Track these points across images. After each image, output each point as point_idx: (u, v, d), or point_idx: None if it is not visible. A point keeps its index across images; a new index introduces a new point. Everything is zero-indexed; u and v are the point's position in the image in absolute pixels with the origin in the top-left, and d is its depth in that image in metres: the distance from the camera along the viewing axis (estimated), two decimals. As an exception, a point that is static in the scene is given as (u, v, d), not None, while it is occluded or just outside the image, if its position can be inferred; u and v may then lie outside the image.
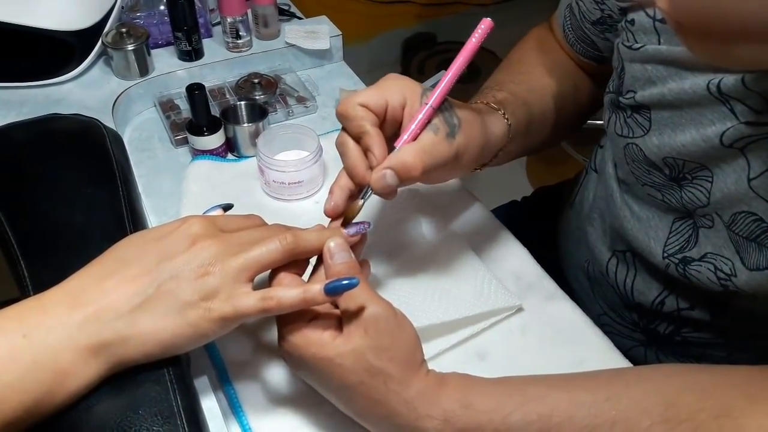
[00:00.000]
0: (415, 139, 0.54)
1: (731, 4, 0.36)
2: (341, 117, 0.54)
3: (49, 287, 0.48)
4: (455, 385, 0.49)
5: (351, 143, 0.54)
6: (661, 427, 0.45)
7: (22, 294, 0.55)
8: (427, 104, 0.54)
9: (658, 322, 0.71)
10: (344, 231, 0.54)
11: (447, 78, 0.54)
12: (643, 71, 0.61)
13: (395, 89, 0.55)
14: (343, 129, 0.55)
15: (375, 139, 0.53)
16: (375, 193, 0.54)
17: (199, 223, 0.51)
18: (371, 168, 0.54)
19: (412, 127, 0.54)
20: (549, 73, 0.75)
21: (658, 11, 0.58)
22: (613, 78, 0.67)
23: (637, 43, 0.61)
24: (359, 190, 0.56)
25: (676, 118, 0.59)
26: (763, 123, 0.53)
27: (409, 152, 0.53)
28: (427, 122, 0.54)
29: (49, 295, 0.47)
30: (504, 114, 0.64)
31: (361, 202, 0.55)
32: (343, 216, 0.56)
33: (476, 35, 0.54)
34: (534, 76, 0.75)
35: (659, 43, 0.59)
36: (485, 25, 0.54)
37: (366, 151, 0.54)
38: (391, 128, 0.56)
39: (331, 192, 0.56)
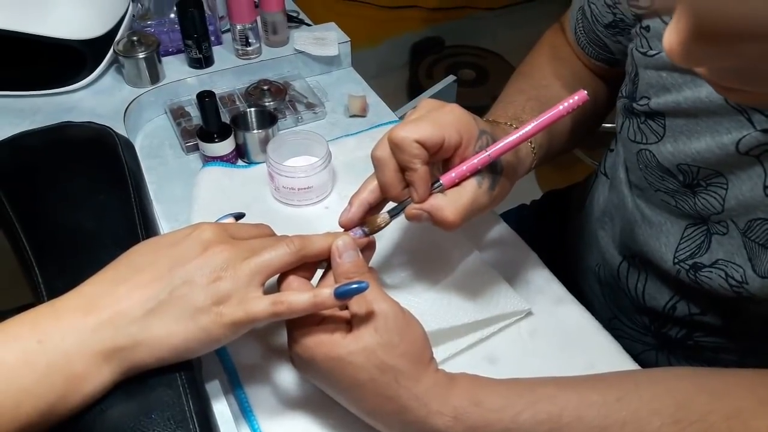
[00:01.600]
0: (462, 181, 0.54)
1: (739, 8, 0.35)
2: (394, 146, 0.53)
3: (63, 293, 0.48)
4: (465, 384, 0.49)
5: (391, 163, 0.54)
6: (671, 428, 0.45)
7: (37, 300, 0.56)
8: (486, 153, 0.53)
9: (670, 326, 0.71)
10: (351, 233, 0.54)
11: (514, 135, 0.53)
12: (657, 78, 0.60)
13: (453, 128, 0.54)
14: (388, 146, 0.54)
15: (421, 180, 0.53)
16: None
17: (211, 229, 0.51)
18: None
19: (463, 168, 0.54)
20: (569, 88, 0.74)
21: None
22: (626, 83, 0.67)
23: (651, 49, 0.60)
24: (382, 202, 0.57)
25: (691, 125, 0.58)
26: None
27: (450, 208, 0.53)
28: (477, 170, 0.54)
29: (63, 301, 0.48)
30: (532, 144, 0.64)
31: (388, 218, 0.56)
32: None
33: (566, 103, 0.52)
34: (555, 91, 0.74)
35: None
36: (579, 96, 0.52)
37: (408, 184, 0.54)
38: (438, 158, 0.55)
39: (350, 203, 0.56)
